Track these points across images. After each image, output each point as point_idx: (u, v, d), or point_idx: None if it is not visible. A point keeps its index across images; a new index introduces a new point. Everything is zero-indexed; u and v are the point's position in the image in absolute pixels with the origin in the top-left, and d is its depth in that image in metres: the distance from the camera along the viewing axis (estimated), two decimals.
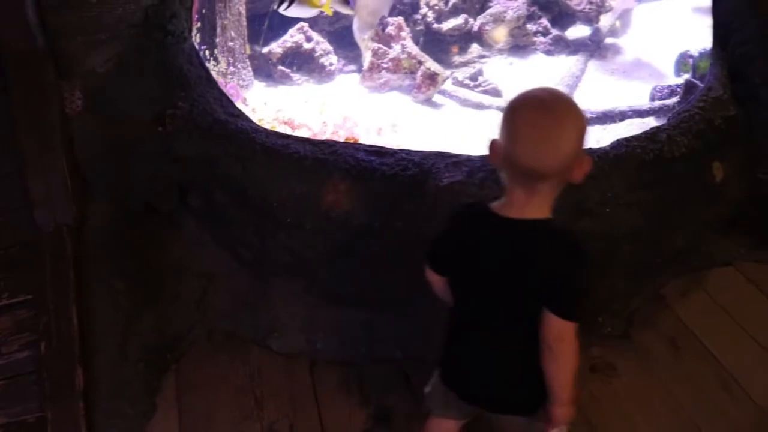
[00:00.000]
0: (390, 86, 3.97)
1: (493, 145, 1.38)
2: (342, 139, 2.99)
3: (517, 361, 1.47)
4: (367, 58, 4.04)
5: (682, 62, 4.25)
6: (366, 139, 3.11)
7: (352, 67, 4.31)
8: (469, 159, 2.53)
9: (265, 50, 4.14)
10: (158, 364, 2.36)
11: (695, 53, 4.13)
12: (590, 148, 2.74)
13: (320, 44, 4.21)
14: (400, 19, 4.07)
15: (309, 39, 4.20)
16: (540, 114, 1.32)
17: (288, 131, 3.16)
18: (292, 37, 4.19)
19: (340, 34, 4.44)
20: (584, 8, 4.57)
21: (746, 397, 2.17)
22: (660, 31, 5.02)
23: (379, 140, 3.12)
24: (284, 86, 4.07)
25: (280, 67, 4.13)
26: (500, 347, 1.48)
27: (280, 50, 4.15)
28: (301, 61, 4.18)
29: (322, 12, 3.83)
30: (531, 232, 1.38)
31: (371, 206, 2.38)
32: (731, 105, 3.33)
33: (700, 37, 3.97)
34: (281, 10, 3.63)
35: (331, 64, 4.20)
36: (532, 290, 1.38)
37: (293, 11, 3.64)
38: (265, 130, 2.71)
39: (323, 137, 3.00)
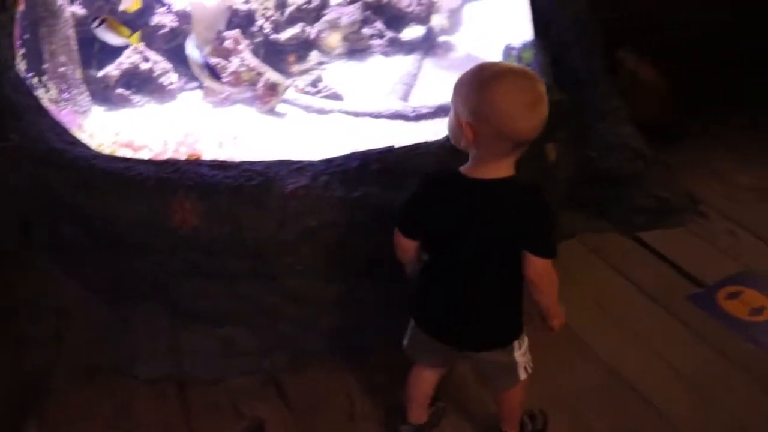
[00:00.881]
0: (233, 100, 4.02)
1: (468, 127, 1.50)
2: (184, 157, 3.01)
3: (497, 302, 1.70)
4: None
5: (508, 54, 4.56)
6: (209, 154, 3.15)
7: (194, 83, 4.29)
8: (311, 164, 2.63)
9: (100, 74, 4.05)
10: (19, 407, 2.31)
11: (518, 45, 4.44)
12: (431, 142, 2.96)
13: (158, 63, 4.18)
14: (237, 33, 4.11)
15: (146, 59, 4.15)
16: (524, 83, 1.50)
17: (129, 154, 3.13)
18: (128, 58, 4.12)
19: (179, 52, 4.40)
20: (414, 9, 4.79)
21: (596, 356, 2.42)
22: (487, 27, 5.35)
23: (222, 154, 3.17)
24: (125, 109, 4.00)
25: (119, 90, 4.06)
26: (482, 292, 1.68)
27: (116, 72, 4.08)
28: (140, 82, 4.12)
29: (128, 44, 3.81)
30: (505, 189, 1.58)
31: (219, 220, 2.43)
32: (555, 90, 3.66)
33: (522, 29, 4.29)
34: (93, 27, 3.62)
35: (171, 83, 4.18)
36: (510, 239, 1.59)
37: (101, 33, 3.63)
38: (105, 155, 2.70)
39: (165, 156, 3.01)
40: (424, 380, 1.96)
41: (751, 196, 3.46)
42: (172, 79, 4.22)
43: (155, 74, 4.15)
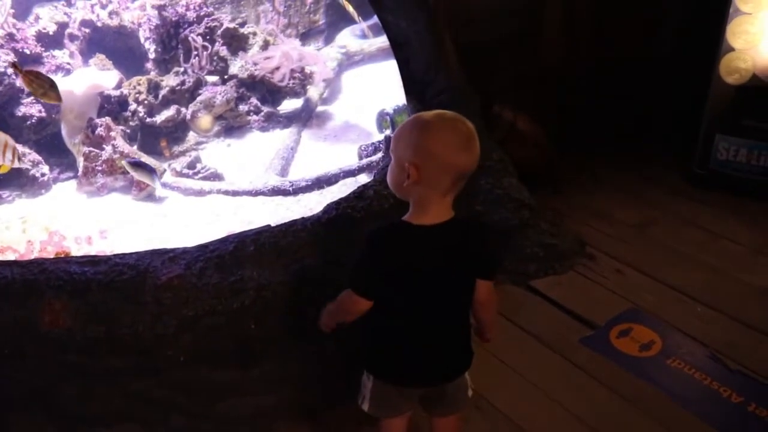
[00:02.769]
0: (108, 188, 3.98)
1: (414, 167, 1.68)
2: (52, 255, 2.94)
3: (460, 329, 1.88)
4: (80, 163, 4.00)
5: (382, 120, 4.76)
6: (78, 250, 3.10)
7: (69, 173, 4.22)
8: (185, 251, 2.65)
9: None
10: None
11: (390, 110, 4.65)
12: (307, 217, 3.02)
13: (28, 156, 4.08)
14: (108, 120, 4.09)
15: None
16: (457, 124, 1.72)
17: None
18: None
19: (50, 142, 4.34)
20: (288, 84, 4.92)
21: (495, 409, 2.57)
22: (363, 95, 5.55)
23: (92, 249, 3.12)
24: None
25: None
26: (448, 324, 1.85)
27: None
28: (9, 176, 4.00)
29: None
30: (454, 230, 1.76)
31: (94, 319, 2.41)
32: None
33: (395, 94, 4.50)
34: None
35: (43, 175, 4.09)
36: (467, 274, 1.80)
37: None
38: None
39: (31, 257, 2.93)
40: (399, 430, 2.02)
41: (633, 232, 3.74)
42: (44, 170, 4.13)
43: (24, 167, 4.05)
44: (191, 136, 4.62)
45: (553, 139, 4.33)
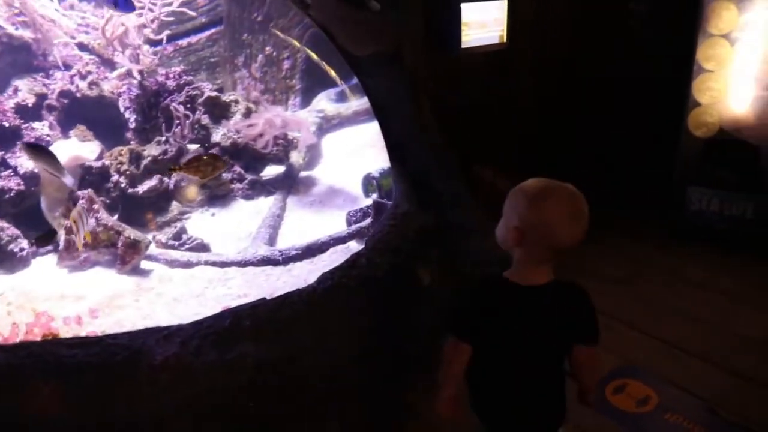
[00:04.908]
0: (91, 262, 3.92)
1: (516, 231, 1.78)
2: (39, 338, 2.86)
3: (556, 389, 1.92)
4: (61, 236, 3.94)
5: (368, 183, 4.79)
6: (67, 331, 3.02)
7: (48, 247, 4.15)
8: (180, 328, 2.60)
9: None
10: None
11: (376, 173, 4.68)
12: (302, 289, 2.99)
13: (6, 230, 4.03)
14: (90, 192, 4.05)
15: None
16: (574, 202, 1.77)
17: None
18: None
19: (29, 215, 4.27)
20: (272, 150, 4.94)
21: None
22: (343, 158, 5.59)
23: (82, 330, 3.05)
24: None
25: None
26: (537, 384, 1.90)
27: None
28: None
29: None
30: (554, 293, 1.83)
31: (86, 403, 2.33)
32: (420, 215, 3.84)
33: (379, 158, 4.54)
34: None
35: (22, 249, 4.03)
36: (562, 336, 1.84)
37: None
38: None
39: (16, 340, 2.85)
40: None
41: (620, 288, 3.78)
42: (22, 244, 4.06)
43: (2, 241, 3.98)
44: (174, 206, 4.59)
45: None
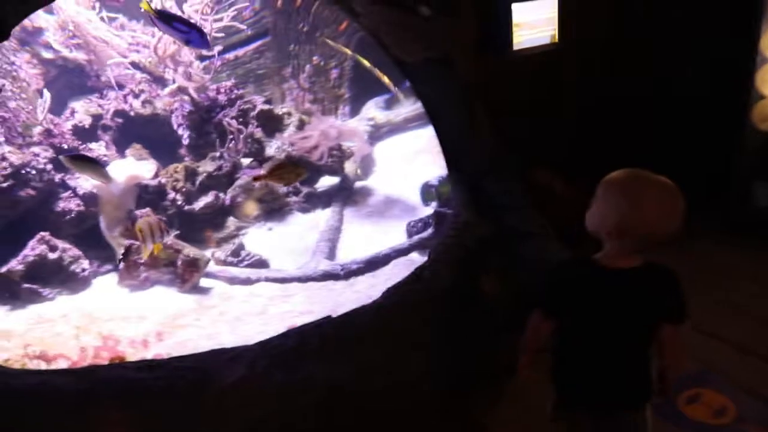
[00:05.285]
0: (152, 281, 3.91)
1: (615, 226, 1.82)
2: (106, 362, 2.83)
3: (639, 367, 1.97)
4: (121, 255, 3.94)
5: (426, 192, 4.70)
6: (134, 354, 2.99)
7: (108, 267, 4.17)
8: (246, 349, 2.54)
9: (3, 270, 3.87)
10: None
11: (434, 181, 4.58)
12: (367, 305, 2.92)
13: (68, 251, 4.06)
14: (148, 210, 4.05)
15: (53, 248, 4.02)
16: (670, 196, 1.81)
17: (43, 366, 2.92)
18: (33, 250, 3.98)
19: (89, 235, 4.30)
20: (327, 162, 4.89)
21: None
22: (399, 166, 5.51)
23: (149, 352, 3.02)
24: (34, 305, 3.81)
25: (26, 285, 3.87)
26: (626, 361, 1.96)
27: (21, 267, 3.91)
28: (49, 273, 3.97)
29: None
30: (646, 274, 1.87)
31: (153, 429, 2.28)
32: (480, 224, 3.74)
33: (433, 164, 4.45)
34: None
35: (83, 270, 4.05)
36: (650, 315, 1.89)
37: None
38: (16, 371, 2.53)
39: (85, 363, 2.82)
40: None
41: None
42: (84, 265, 4.08)
43: (65, 263, 4.01)
44: (231, 222, 4.56)
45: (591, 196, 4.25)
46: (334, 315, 2.84)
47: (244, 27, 5.36)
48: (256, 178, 3.56)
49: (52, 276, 4.00)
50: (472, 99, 3.81)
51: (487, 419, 2.87)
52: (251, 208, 4.61)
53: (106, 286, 4.06)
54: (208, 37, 4.44)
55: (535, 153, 4.35)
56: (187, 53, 4.69)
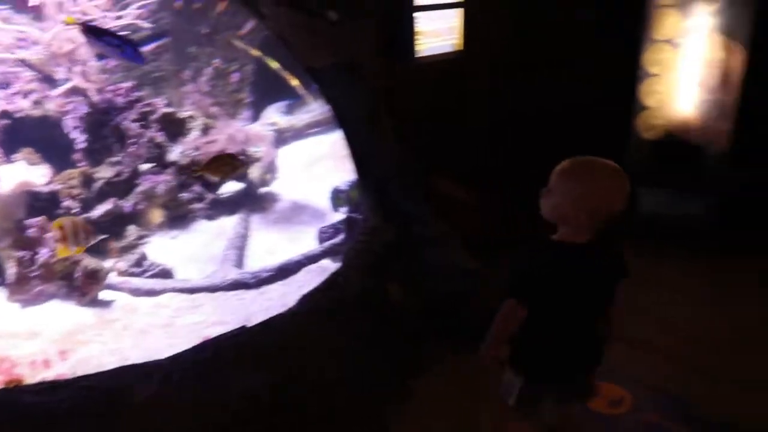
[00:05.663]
0: (47, 295, 3.65)
1: (571, 208, 1.97)
2: (1, 386, 2.62)
3: (596, 331, 2.14)
4: (10, 269, 3.67)
5: (337, 197, 4.65)
6: (33, 375, 2.78)
7: None
8: (158, 364, 2.43)
9: None
10: None
11: (344, 186, 4.55)
12: (284, 312, 2.86)
13: None
14: (43, 219, 3.79)
15: None
16: (617, 175, 1.98)
17: None
18: None
19: None
20: None
21: None
22: (303, 172, 5.44)
23: (50, 372, 2.82)
24: None
25: None
26: (588, 332, 2.13)
27: None
28: None
29: None
30: (599, 246, 2.04)
31: None
32: (386, 229, 3.75)
33: (339, 169, 4.43)
34: None
35: None
36: (611, 280, 2.08)
37: None
38: None
39: None
40: None
41: None
42: None
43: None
44: (132, 230, 4.34)
45: (495, 204, 4.41)
46: (249, 324, 2.77)
47: (149, 25, 5.11)
48: (193, 170, 3.45)
49: None
50: (377, 104, 3.86)
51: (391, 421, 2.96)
52: (154, 215, 4.41)
53: None
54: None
55: (438, 160, 4.49)
56: (84, 52, 4.44)
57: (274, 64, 5.25)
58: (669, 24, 4.57)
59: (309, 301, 3.10)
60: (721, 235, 4.40)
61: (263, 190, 5.18)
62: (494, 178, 4.67)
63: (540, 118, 5.05)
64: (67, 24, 3.55)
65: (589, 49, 5.18)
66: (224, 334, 2.60)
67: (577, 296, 2.08)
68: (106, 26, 4.19)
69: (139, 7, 4.40)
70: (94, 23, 4.14)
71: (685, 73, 4.59)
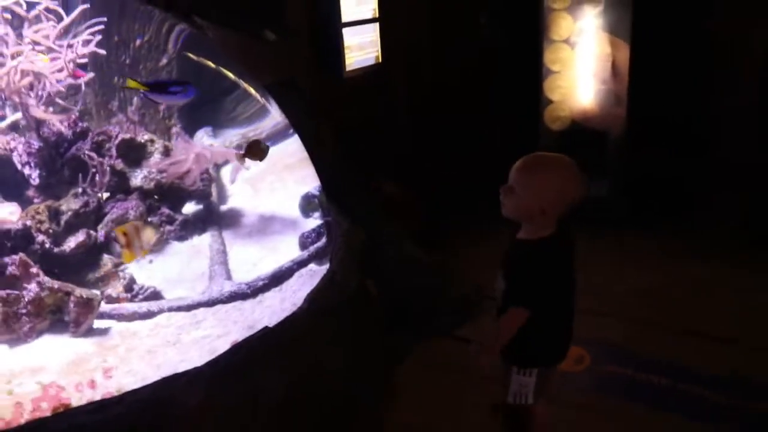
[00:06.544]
0: (37, 331, 3.58)
1: (538, 206, 2.16)
2: (48, 413, 2.60)
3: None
4: None
5: (308, 203, 4.75)
6: (80, 398, 2.77)
7: None
8: (199, 371, 2.51)
9: None
10: None
11: (315, 191, 4.66)
12: (294, 312, 2.98)
13: None
14: (22, 256, 3.73)
15: None
16: (573, 168, 2.20)
17: None
18: None
19: None
20: (199, 186, 4.79)
21: None
22: (250, 186, 5.47)
23: (97, 393, 2.82)
24: None
25: None
26: (573, 309, 2.42)
27: None
28: None
29: None
30: (566, 234, 2.31)
31: None
32: (357, 230, 3.93)
33: (287, 180, 4.94)
34: None
35: None
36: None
37: None
38: None
39: (23, 420, 2.57)
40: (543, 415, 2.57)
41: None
42: None
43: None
44: (107, 259, 4.30)
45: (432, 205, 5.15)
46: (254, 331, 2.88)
47: (102, 51, 5.04)
48: (242, 155, 3.87)
49: None
50: (317, 117, 4.33)
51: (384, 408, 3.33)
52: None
53: None
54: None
55: (374, 166, 4.97)
56: (42, 85, 4.36)
57: (231, 75, 5.29)
58: (563, 26, 5.28)
59: (316, 298, 3.21)
60: (625, 213, 5.33)
61: (223, 207, 5.20)
62: (423, 178, 5.34)
63: (457, 119, 5.79)
64: (130, 88, 3.58)
65: (495, 54, 5.88)
66: (252, 335, 2.69)
67: (569, 284, 2.33)
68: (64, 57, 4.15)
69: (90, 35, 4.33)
70: (155, 80, 4.18)
71: (582, 69, 5.31)
